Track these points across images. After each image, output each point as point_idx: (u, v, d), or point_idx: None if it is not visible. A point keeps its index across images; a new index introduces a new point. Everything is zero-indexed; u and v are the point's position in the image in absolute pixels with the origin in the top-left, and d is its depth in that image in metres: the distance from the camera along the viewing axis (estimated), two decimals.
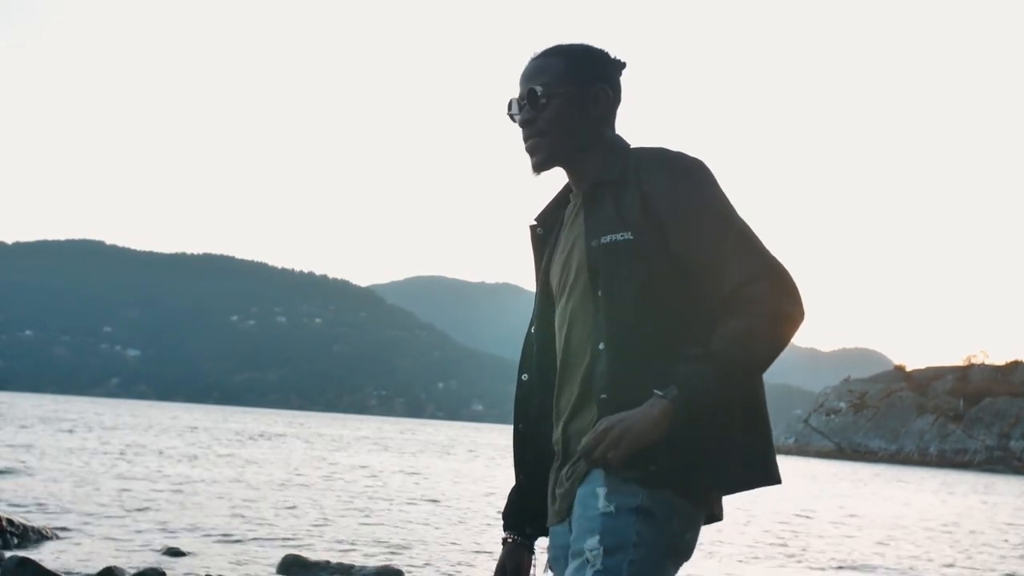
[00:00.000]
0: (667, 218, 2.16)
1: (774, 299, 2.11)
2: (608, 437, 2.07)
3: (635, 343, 2.15)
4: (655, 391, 2.09)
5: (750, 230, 2.18)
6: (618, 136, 2.33)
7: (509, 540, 2.47)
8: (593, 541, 2.09)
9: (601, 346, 2.17)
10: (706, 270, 2.14)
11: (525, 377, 2.42)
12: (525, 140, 2.32)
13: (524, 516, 2.45)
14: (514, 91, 2.32)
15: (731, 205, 2.20)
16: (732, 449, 2.16)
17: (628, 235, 2.16)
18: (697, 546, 2.10)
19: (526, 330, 2.46)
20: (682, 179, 2.18)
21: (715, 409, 2.10)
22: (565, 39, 2.32)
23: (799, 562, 11.92)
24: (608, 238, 2.18)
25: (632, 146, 2.31)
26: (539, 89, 2.27)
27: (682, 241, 2.15)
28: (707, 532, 12.22)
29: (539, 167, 2.31)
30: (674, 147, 2.25)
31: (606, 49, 2.35)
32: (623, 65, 2.34)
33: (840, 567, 11.76)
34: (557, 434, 2.31)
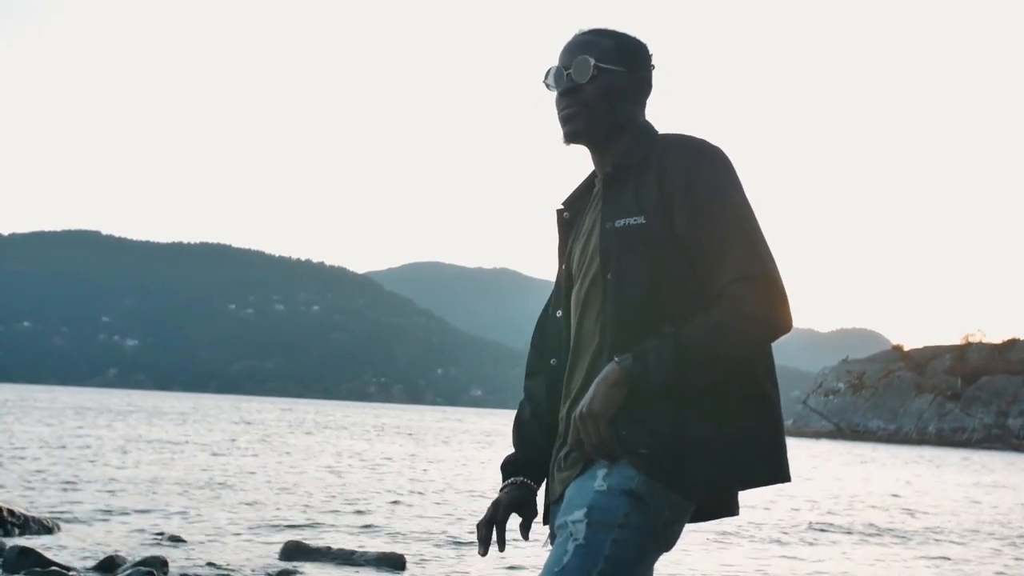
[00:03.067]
0: (678, 201, 2.15)
1: (758, 301, 2.09)
2: (585, 426, 2.11)
3: (639, 331, 2.13)
4: (614, 358, 2.12)
5: (757, 228, 2.16)
6: (648, 122, 2.35)
7: (505, 487, 2.42)
8: (579, 514, 2.09)
9: (606, 332, 2.17)
10: (705, 259, 2.13)
11: (554, 362, 2.38)
12: (563, 109, 2.30)
13: (523, 465, 2.42)
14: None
15: (745, 199, 2.19)
16: (734, 444, 2.13)
17: (641, 219, 2.16)
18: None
19: (543, 313, 2.43)
20: (699, 164, 2.17)
21: (668, 386, 2.08)
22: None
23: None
24: (622, 222, 2.18)
25: (664, 132, 2.31)
26: (591, 60, 2.27)
27: (687, 224, 2.14)
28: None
29: (573, 136, 2.31)
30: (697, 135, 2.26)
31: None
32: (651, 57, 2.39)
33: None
34: (563, 413, 2.30)
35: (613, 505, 2.08)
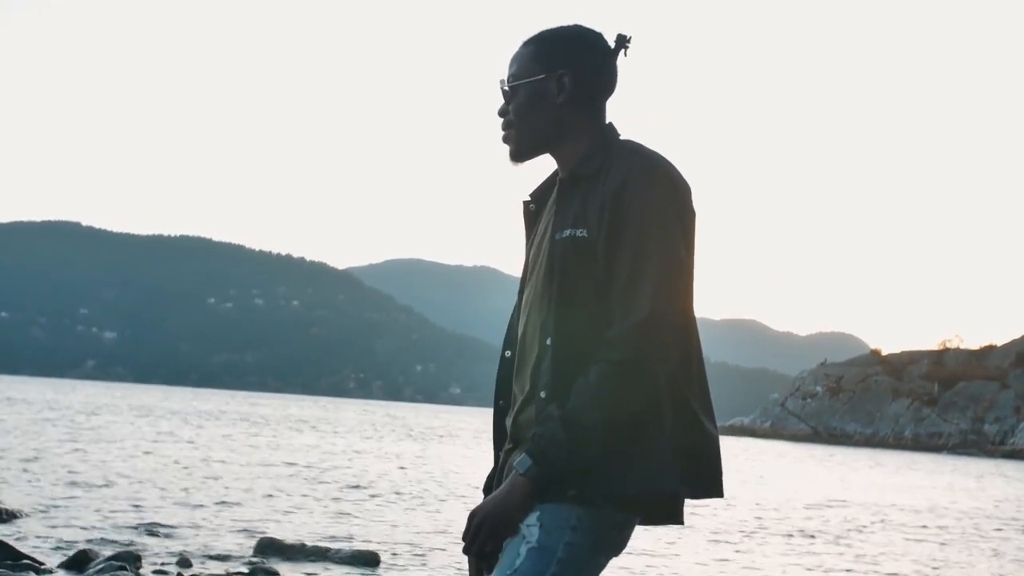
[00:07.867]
0: (605, 216, 2.11)
1: (632, 346, 2.04)
2: (476, 531, 2.10)
3: (578, 344, 2.10)
4: (514, 466, 2.09)
5: (669, 258, 2.09)
6: (608, 126, 2.27)
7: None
8: (531, 518, 2.07)
9: (548, 342, 2.14)
10: (614, 289, 2.09)
11: (508, 354, 2.34)
12: (501, 131, 2.31)
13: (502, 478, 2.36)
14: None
15: (673, 231, 2.11)
16: (655, 461, 2.08)
17: (584, 232, 2.12)
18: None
19: (512, 309, 2.39)
20: (636, 182, 2.11)
21: (577, 466, 2.05)
22: (541, 23, 2.24)
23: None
24: (568, 232, 2.14)
25: (623, 139, 2.24)
26: (504, 81, 2.27)
27: (605, 245, 2.11)
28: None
29: (512, 158, 2.30)
30: (665, 154, 2.18)
31: (589, 31, 2.27)
32: (611, 48, 2.25)
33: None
34: (509, 420, 2.27)
35: (566, 508, 2.07)
